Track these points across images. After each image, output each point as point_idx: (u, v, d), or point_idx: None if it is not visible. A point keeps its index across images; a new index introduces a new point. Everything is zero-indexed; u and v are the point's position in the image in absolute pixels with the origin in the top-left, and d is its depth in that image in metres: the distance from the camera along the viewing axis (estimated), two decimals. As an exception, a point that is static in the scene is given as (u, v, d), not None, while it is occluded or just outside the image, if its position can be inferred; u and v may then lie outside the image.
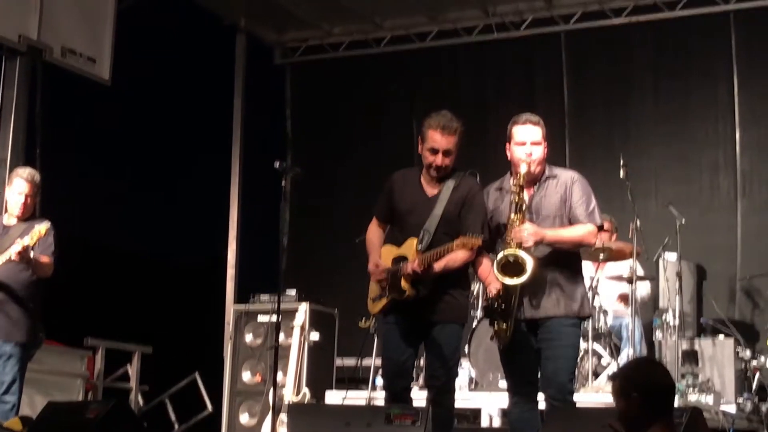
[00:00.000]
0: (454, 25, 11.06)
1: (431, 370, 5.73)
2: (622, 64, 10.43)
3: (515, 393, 5.57)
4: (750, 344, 8.70)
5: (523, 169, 5.48)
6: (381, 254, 5.80)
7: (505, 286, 5.42)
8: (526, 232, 5.38)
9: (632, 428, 4.02)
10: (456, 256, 5.52)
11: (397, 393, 5.73)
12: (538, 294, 5.46)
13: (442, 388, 5.65)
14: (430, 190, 5.75)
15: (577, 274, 5.62)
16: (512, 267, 5.37)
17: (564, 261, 5.53)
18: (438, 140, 5.64)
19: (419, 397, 6.12)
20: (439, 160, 5.65)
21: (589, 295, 7.73)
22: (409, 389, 5.85)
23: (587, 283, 7.69)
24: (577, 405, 5.72)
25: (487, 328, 8.12)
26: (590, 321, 7.90)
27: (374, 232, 5.96)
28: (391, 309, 5.70)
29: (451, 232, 5.56)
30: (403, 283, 5.58)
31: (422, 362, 7.57)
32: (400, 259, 5.68)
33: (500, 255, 5.40)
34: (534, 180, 5.60)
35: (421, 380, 7.94)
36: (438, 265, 5.52)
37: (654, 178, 9.98)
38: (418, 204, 5.73)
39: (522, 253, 5.34)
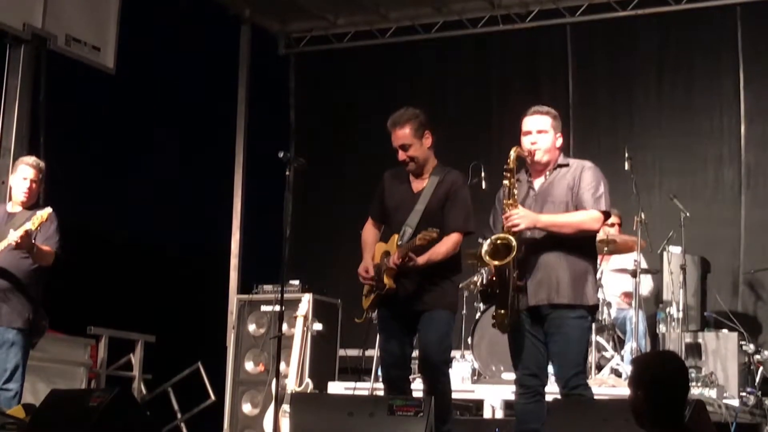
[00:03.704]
0: (459, 17, 11.03)
1: (423, 356, 5.82)
2: (628, 57, 10.41)
3: (520, 384, 5.55)
4: (753, 338, 8.70)
5: (512, 155, 5.47)
6: (375, 252, 5.91)
7: (498, 271, 5.45)
8: (517, 216, 5.39)
9: (638, 422, 3.98)
10: (438, 249, 5.67)
11: (394, 383, 5.86)
12: (542, 282, 5.43)
13: (434, 373, 5.74)
14: (417, 186, 5.88)
15: (583, 262, 5.50)
16: (503, 251, 5.39)
17: (569, 248, 5.45)
18: (393, 137, 5.81)
19: (419, 387, 6.15)
20: (401, 155, 5.81)
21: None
22: (408, 380, 5.96)
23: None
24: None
25: (489, 321, 8.20)
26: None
27: (369, 231, 6.09)
28: (382, 303, 5.83)
29: (433, 227, 5.65)
30: (386, 278, 5.71)
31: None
32: (387, 255, 5.81)
33: (488, 240, 5.44)
34: (544, 168, 5.59)
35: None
36: (421, 260, 5.65)
37: (658, 171, 9.96)
38: (404, 201, 5.87)
39: (507, 236, 5.37)
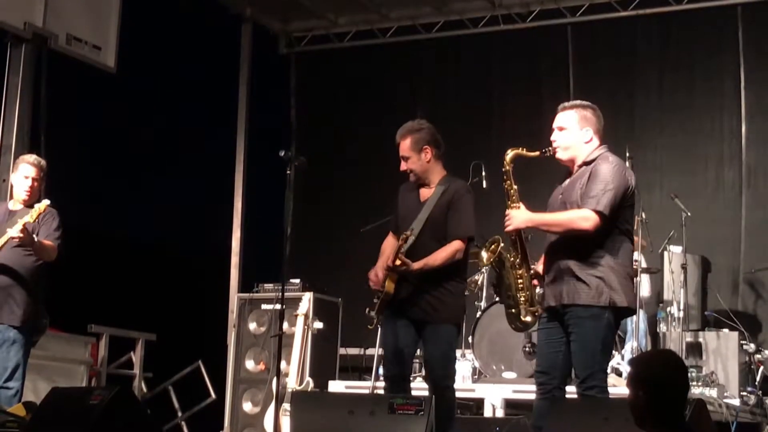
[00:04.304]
0: (460, 16, 11.04)
1: (428, 370, 5.96)
2: (628, 57, 10.42)
3: (536, 382, 5.57)
4: (754, 337, 8.70)
5: (507, 156, 5.52)
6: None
7: (497, 272, 5.65)
8: (508, 217, 5.46)
9: (638, 422, 3.98)
10: (437, 255, 5.79)
11: (393, 379, 5.95)
12: (555, 282, 5.40)
13: (439, 386, 5.83)
14: (424, 195, 6.04)
15: (597, 262, 5.32)
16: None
17: (580, 247, 5.35)
18: (399, 150, 6.02)
19: (422, 387, 6.18)
20: (402, 165, 6.04)
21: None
22: (407, 378, 6.04)
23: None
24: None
25: (490, 320, 8.25)
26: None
27: (387, 242, 6.18)
28: (388, 307, 5.90)
29: (436, 234, 5.83)
30: (387, 283, 5.82)
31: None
32: None
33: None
34: (572, 166, 5.52)
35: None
36: (416, 265, 5.76)
37: (659, 170, 9.97)
38: (411, 210, 6.03)
39: (497, 237, 5.54)
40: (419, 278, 5.80)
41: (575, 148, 5.49)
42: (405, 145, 5.99)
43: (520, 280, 5.54)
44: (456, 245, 5.82)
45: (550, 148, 5.53)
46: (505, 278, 5.59)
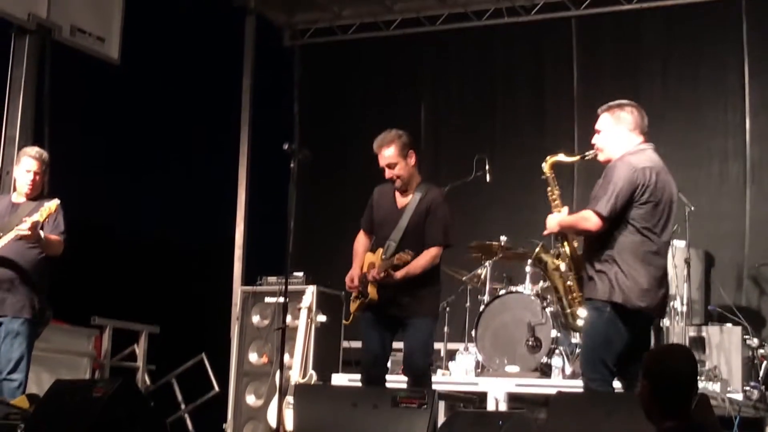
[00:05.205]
0: (464, 9, 11.00)
1: (408, 360, 6.21)
2: (633, 50, 10.38)
3: None
4: (757, 332, 8.69)
5: (546, 163, 5.72)
6: (364, 262, 6.32)
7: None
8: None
9: (647, 414, 3.99)
10: (416, 263, 6.08)
11: (373, 381, 6.23)
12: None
13: (419, 376, 6.13)
14: (401, 202, 6.30)
15: (603, 259, 5.42)
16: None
17: (592, 246, 5.52)
18: (380, 158, 6.28)
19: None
20: (388, 173, 6.27)
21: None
22: (385, 379, 6.35)
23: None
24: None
25: (493, 313, 8.26)
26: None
27: (359, 241, 6.49)
28: (368, 307, 6.23)
29: (415, 241, 6.12)
30: (370, 288, 6.14)
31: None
32: (372, 267, 6.26)
33: None
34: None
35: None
36: (398, 275, 6.07)
37: (663, 164, 9.93)
38: (388, 216, 6.30)
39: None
40: (398, 283, 6.09)
41: (609, 149, 5.61)
42: (391, 152, 6.22)
43: (569, 282, 5.63)
44: (434, 252, 6.14)
45: (591, 152, 5.69)
46: (550, 281, 5.78)
